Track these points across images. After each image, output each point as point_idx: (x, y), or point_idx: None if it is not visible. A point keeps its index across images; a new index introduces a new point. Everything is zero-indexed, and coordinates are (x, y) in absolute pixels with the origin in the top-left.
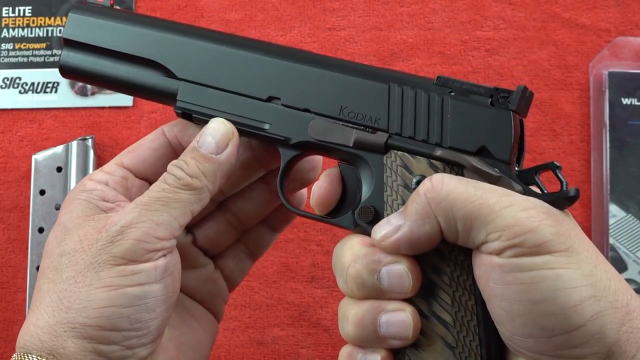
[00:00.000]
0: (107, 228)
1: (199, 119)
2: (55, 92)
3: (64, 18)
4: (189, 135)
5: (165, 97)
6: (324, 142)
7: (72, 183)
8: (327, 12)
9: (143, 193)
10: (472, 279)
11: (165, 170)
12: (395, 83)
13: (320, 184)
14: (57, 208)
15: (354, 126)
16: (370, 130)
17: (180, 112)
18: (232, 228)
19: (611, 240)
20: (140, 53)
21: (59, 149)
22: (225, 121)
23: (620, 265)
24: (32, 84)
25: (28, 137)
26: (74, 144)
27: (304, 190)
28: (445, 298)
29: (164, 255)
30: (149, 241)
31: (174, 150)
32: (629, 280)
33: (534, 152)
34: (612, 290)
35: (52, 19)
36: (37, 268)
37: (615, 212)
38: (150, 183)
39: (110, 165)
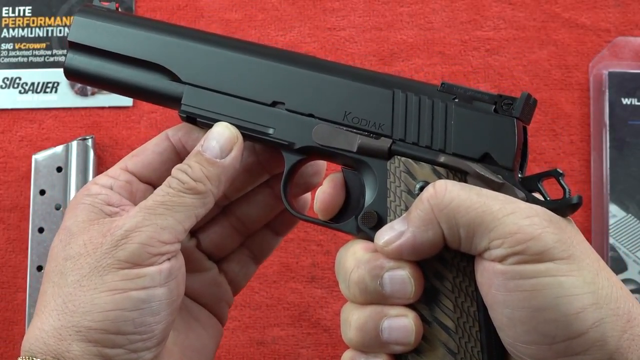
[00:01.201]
0: (112, 232)
1: (203, 123)
2: (55, 92)
3: (64, 18)
4: (193, 140)
5: (170, 100)
6: (328, 147)
7: (72, 183)
8: (327, 12)
9: (147, 197)
10: (475, 285)
11: (169, 174)
12: (399, 89)
13: (324, 189)
14: (57, 208)
15: (358, 132)
16: (374, 135)
17: (184, 115)
18: (236, 232)
19: (611, 240)
20: (145, 57)
21: (59, 149)
22: (230, 125)
23: (620, 265)
24: (32, 84)
25: (28, 137)
26: (74, 144)
27: (308, 195)
28: (447, 304)
29: (169, 259)
30: (154, 245)
31: (178, 155)
32: (628, 281)
33: (534, 152)
34: (613, 298)
35: (52, 19)
36: (38, 268)
37: (615, 212)
38: (155, 187)
39: (115, 170)
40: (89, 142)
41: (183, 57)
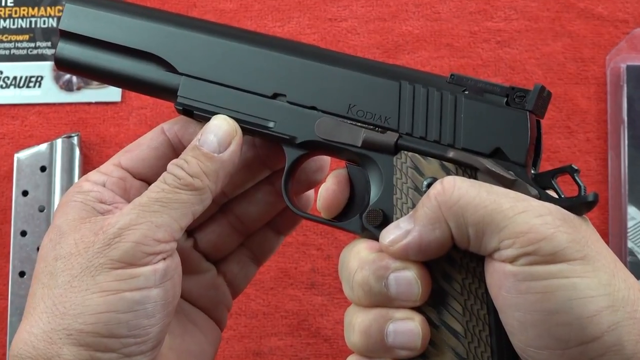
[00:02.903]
0: (104, 230)
1: (200, 116)
2: (39, 86)
3: (48, 8)
4: (189, 134)
5: (166, 92)
6: (331, 142)
7: (57, 183)
8: (327, 2)
9: (142, 194)
10: (484, 287)
11: (165, 170)
12: (406, 80)
13: (327, 186)
14: (41, 210)
15: (363, 125)
16: (379, 129)
17: (181, 108)
18: (236, 231)
19: (629, 244)
20: (140, 46)
21: (43, 147)
22: (228, 118)
23: (639, 270)
24: (15, 78)
25: (10, 134)
26: (59, 141)
27: (311, 192)
28: (456, 307)
29: (164, 259)
30: (148, 244)
31: (174, 150)
32: None
33: (547, 150)
34: (630, 300)
35: (36, 9)
36: (20, 274)
37: (634, 214)
38: (150, 184)
39: (108, 166)
40: (75, 140)
41: (179, 47)
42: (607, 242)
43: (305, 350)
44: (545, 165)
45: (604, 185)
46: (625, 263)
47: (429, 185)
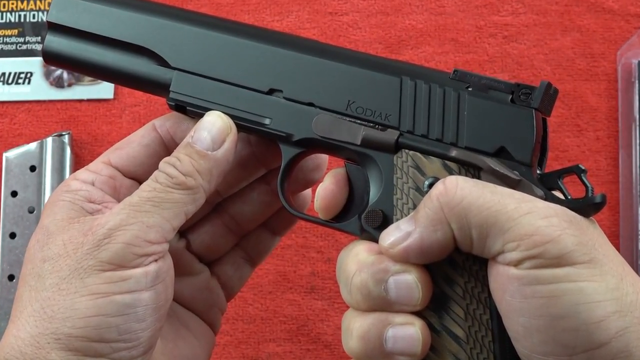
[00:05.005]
0: (94, 231)
1: (193, 112)
2: (29, 83)
3: (37, 2)
4: (182, 130)
5: (158, 87)
6: (329, 140)
7: (47, 183)
8: None
9: (132, 193)
10: (488, 291)
11: (156, 168)
12: (407, 76)
13: (325, 186)
14: (31, 211)
15: (362, 123)
16: (379, 127)
17: (173, 104)
18: (230, 232)
19: None
20: (131, 39)
21: (33, 146)
22: (223, 115)
23: None
24: (3, 74)
25: None
26: (49, 140)
27: (308, 192)
28: (458, 311)
29: (156, 261)
30: (139, 245)
31: (166, 147)
32: None
33: (556, 149)
34: (639, 305)
35: (25, 2)
36: (9, 277)
37: None
38: (141, 182)
39: (97, 164)
40: (66, 139)
41: (172, 40)
42: (618, 244)
43: (305, 356)
44: (553, 165)
45: (614, 185)
46: (636, 265)
47: (430, 185)
